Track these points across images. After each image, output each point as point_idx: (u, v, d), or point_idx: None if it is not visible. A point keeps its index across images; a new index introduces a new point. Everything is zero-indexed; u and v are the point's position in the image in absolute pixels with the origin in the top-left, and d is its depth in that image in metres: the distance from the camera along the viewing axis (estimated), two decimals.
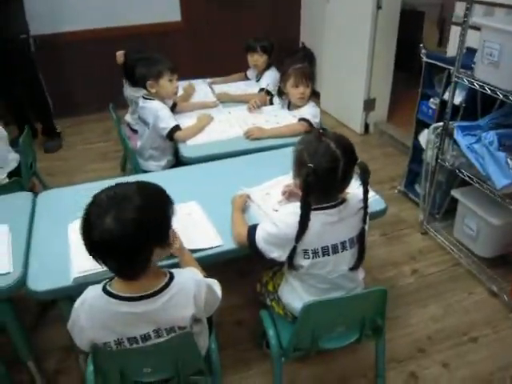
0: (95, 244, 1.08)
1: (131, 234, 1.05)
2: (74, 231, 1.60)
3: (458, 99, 2.37)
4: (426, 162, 2.55)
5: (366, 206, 1.45)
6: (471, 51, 2.48)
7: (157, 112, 2.36)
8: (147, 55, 2.59)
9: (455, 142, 2.22)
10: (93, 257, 1.11)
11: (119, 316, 1.16)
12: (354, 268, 1.50)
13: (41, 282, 1.44)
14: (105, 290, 1.17)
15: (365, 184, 1.40)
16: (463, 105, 2.32)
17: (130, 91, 2.86)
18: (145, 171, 2.48)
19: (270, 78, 2.88)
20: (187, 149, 2.26)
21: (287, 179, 1.84)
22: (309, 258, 1.45)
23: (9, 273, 1.46)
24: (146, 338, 1.21)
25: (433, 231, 2.56)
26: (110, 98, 3.04)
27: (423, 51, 2.53)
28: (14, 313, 1.58)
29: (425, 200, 2.61)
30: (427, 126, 2.58)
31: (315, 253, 1.45)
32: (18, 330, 1.61)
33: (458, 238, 2.43)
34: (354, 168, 1.36)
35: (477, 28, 2.43)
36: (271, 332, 1.59)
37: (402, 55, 3.70)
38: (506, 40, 1.86)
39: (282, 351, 1.56)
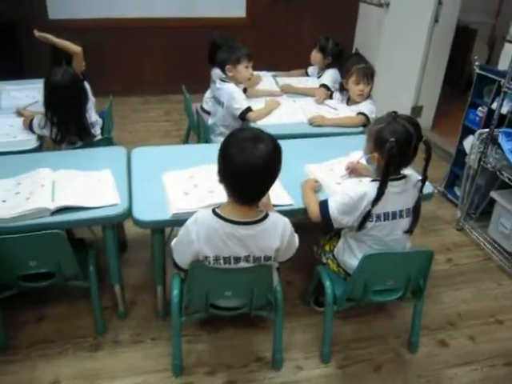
0: (240, 171, 1.35)
1: (272, 165, 1.36)
2: (168, 179, 1.93)
3: (506, 108, 2.60)
4: (468, 165, 2.78)
5: (425, 177, 1.71)
6: None
7: (232, 94, 2.66)
8: (230, 42, 2.93)
9: (499, 146, 2.46)
10: (227, 183, 1.40)
11: (223, 235, 1.45)
12: (408, 231, 1.77)
13: (145, 213, 1.74)
14: (214, 212, 1.46)
15: (428, 157, 1.67)
16: (510, 114, 2.55)
17: (213, 72, 3.17)
18: None
19: (331, 77, 3.15)
20: (258, 127, 2.53)
21: (347, 159, 2.14)
22: (372, 221, 1.71)
23: (116, 204, 1.78)
24: (237, 260, 1.50)
25: (468, 228, 2.79)
26: (175, 81, 3.33)
27: (477, 63, 2.77)
28: (115, 239, 1.90)
29: (463, 200, 2.84)
30: (472, 132, 2.81)
31: (378, 217, 1.71)
32: (115, 254, 1.92)
33: (492, 236, 2.65)
34: (419, 144, 1.64)
35: None
36: (327, 283, 1.85)
37: (450, 69, 3.94)
38: None
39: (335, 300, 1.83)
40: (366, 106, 2.72)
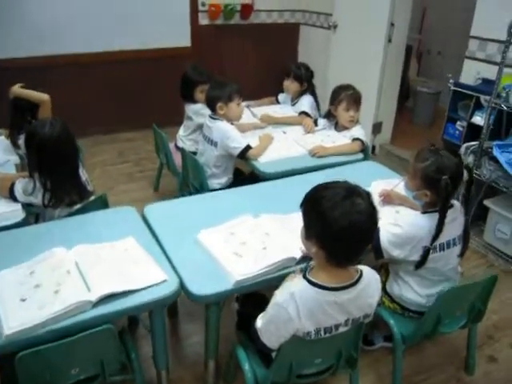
0: (345, 232, 1.22)
1: (375, 217, 1.26)
2: (207, 239, 1.75)
3: (483, 122, 2.77)
4: None
5: (468, 199, 1.74)
6: (485, 81, 2.91)
7: (227, 132, 2.52)
8: (205, 75, 2.82)
9: (491, 158, 2.59)
10: (325, 246, 1.26)
11: (325, 305, 1.31)
12: (461, 255, 1.78)
13: (202, 286, 1.54)
14: (311, 282, 1.32)
15: (471, 182, 1.73)
16: (491, 127, 2.71)
17: (187, 107, 2.99)
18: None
19: (309, 103, 3.13)
20: (262, 165, 2.44)
21: (375, 188, 2.12)
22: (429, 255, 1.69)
23: (165, 280, 1.54)
24: (337, 327, 1.37)
25: None
26: (117, 119, 3.12)
27: (451, 81, 2.92)
28: (164, 322, 1.66)
29: None
30: (452, 145, 2.96)
31: (434, 249, 1.69)
32: (163, 340, 1.68)
33: (490, 242, 2.78)
34: None
35: (490, 62, 2.88)
36: (391, 321, 1.78)
37: None
38: None
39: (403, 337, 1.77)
40: (358, 131, 2.73)
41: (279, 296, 1.33)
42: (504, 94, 2.56)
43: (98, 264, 1.59)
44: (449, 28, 5.07)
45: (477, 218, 2.84)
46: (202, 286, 1.54)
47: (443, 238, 1.70)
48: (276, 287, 1.51)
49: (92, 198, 2.08)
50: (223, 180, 2.65)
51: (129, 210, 2.00)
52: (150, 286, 1.51)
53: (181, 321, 2.25)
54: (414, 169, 1.74)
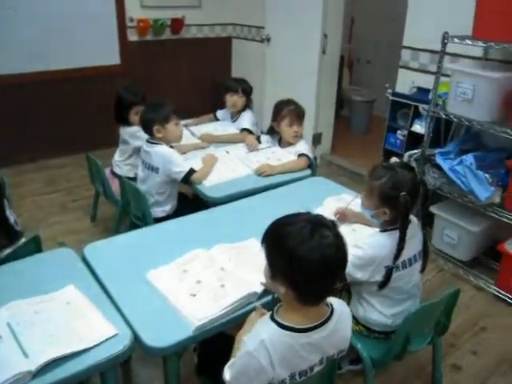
0: (317, 269, 1.12)
1: (344, 248, 1.16)
2: (157, 280, 1.59)
3: (423, 130, 2.83)
4: None
5: (424, 214, 1.71)
6: (420, 89, 2.99)
7: (169, 157, 2.36)
8: (139, 95, 2.65)
9: (434, 165, 2.64)
10: (293, 285, 1.15)
11: (299, 348, 1.19)
12: (422, 270, 1.75)
13: (158, 337, 1.38)
14: (281, 325, 1.20)
15: (426, 196, 1.69)
16: (430, 135, 2.77)
17: (122, 130, 2.80)
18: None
19: (250, 119, 3.04)
20: (208, 189, 2.30)
21: (328, 205, 2.09)
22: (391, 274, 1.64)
23: (116, 334, 1.36)
24: (312, 368, 1.26)
25: None
26: (43, 144, 2.90)
27: (389, 91, 2.95)
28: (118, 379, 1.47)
29: None
30: (394, 154, 3.00)
31: (397, 267, 1.65)
32: None
33: (438, 247, 2.83)
34: None
35: (424, 71, 2.96)
36: (359, 345, 1.70)
37: None
38: (478, 82, 2.33)
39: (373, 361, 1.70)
40: (302, 146, 2.69)
41: (249, 344, 1.20)
42: (441, 102, 2.62)
43: (35, 323, 1.39)
44: (377, 37, 5.25)
45: (423, 223, 2.88)
46: (158, 336, 1.38)
47: (405, 256, 1.65)
48: (240, 326, 1.40)
49: (22, 240, 1.86)
50: (167, 207, 2.49)
51: (66, 252, 1.78)
52: (98, 344, 1.33)
53: (134, 367, 2.05)
54: (369, 187, 1.69)
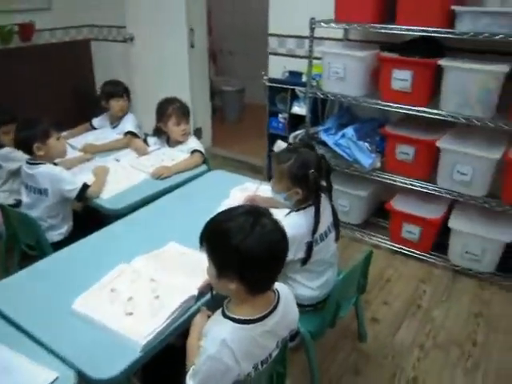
0: (266, 257, 1.14)
1: (284, 233, 1.19)
2: (85, 306, 1.47)
3: (302, 111, 3.01)
4: None
5: (330, 186, 1.83)
6: (292, 73, 3.16)
7: (57, 175, 2.18)
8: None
9: (319, 142, 2.83)
10: (243, 277, 1.16)
11: (258, 339, 1.21)
12: (337, 239, 1.87)
13: (105, 367, 1.28)
14: (237, 320, 1.20)
15: (329, 168, 1.80)
16: (310, 114, 2.94)
17: None
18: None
19: (133, 122, 2.92)
20: (107, 202, 2.18)
21: (235, 196, 2.13)
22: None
23: (57, 378, 1.23)
24: (271, 355, 1.28)
25: None
26: None
27: (265, 77, 3.07)
28: None
29: None
30: (278, 137, 3.14)
31: (316, 241, 1.75)
32: None
33: None
34: None
35: (293, 55, 3.14)
36: None
37: None
38: (348, 61, 2.55)
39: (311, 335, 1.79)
40: (194, 143, 2.68)
41: (209, 348, 1.18)
42: (315, 84, 2.81)
43: None
44: (237, 28, 5.40)
45: (331, 196, 3.08)
46: (105, 366, 1.28)
47: (321, 229, 1.75)
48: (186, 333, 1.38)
49: None
50: (63, 229, 2.29)
51: None
52: None
53: None
54: (279, 171, 1.75)
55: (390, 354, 2.12)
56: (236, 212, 1.21)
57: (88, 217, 2.36)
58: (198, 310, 1.46)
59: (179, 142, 2.68)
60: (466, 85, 2.28)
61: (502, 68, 2.19)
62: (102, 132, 3.00)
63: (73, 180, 2.20)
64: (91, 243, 1.87)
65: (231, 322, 1.20)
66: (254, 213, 1.20)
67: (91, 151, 2.68)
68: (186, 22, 3.56)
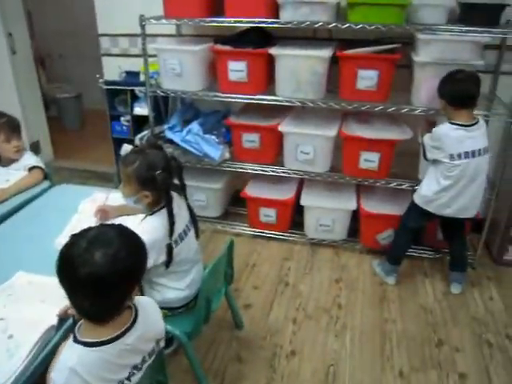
0: (87, 280, 1.05)
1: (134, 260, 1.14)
2: None
3: (144, 111, 2.92)
4: None
5: (184, 185, 1.81)
6: (129, 73, 3.07)
7: None
8: None
9: (166, 140, 2.78)
10: (75, 297, 1.09)
11: (114, 359, 1.14)
12: (197, 236, 1.87)
13: None
14: (87, 344, 1.11)
15: (181, 169, 1.77)
16: (153, 113, 2.87)
17: None
18: None
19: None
20: None
21: (85, 209, 2.01)
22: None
23: None
24: (138, 368, 1.21)
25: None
26: None
27: (100, 80, 2.90)
28: None
29: None
30: (124, 141, 3.01)
31: (175, 242, 1.70)
32: None
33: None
34: None
35: (127, 55, 3.05)
36: (169, 327, 1.69)
37: None
38: (183, 56, 2.54)
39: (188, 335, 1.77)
40: (31, 159, 2.43)
41: (57, 378, 1.08)
42: (154, 82, 2.75)
43: None
44: (64, 30, 5.02)
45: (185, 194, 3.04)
46: None
47: (179, 229, 1.72)
48: None
49: None
50: None
51: None
52: None
53: None
54: (126, 175, 1.67)
55: (267, 334, 2.21)
56: (77, 240, 1.10)
57: None
58: (63, 338, 1.32)
59: (13, 161, 2.40)
60: (297, 70, 2.44)
61: (326, 53, 2.40)
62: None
63: None
64: None
65: (81, 347, 1.11)
66: (93, 241, 1.09)
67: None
68: (1, 26, 3.19)
